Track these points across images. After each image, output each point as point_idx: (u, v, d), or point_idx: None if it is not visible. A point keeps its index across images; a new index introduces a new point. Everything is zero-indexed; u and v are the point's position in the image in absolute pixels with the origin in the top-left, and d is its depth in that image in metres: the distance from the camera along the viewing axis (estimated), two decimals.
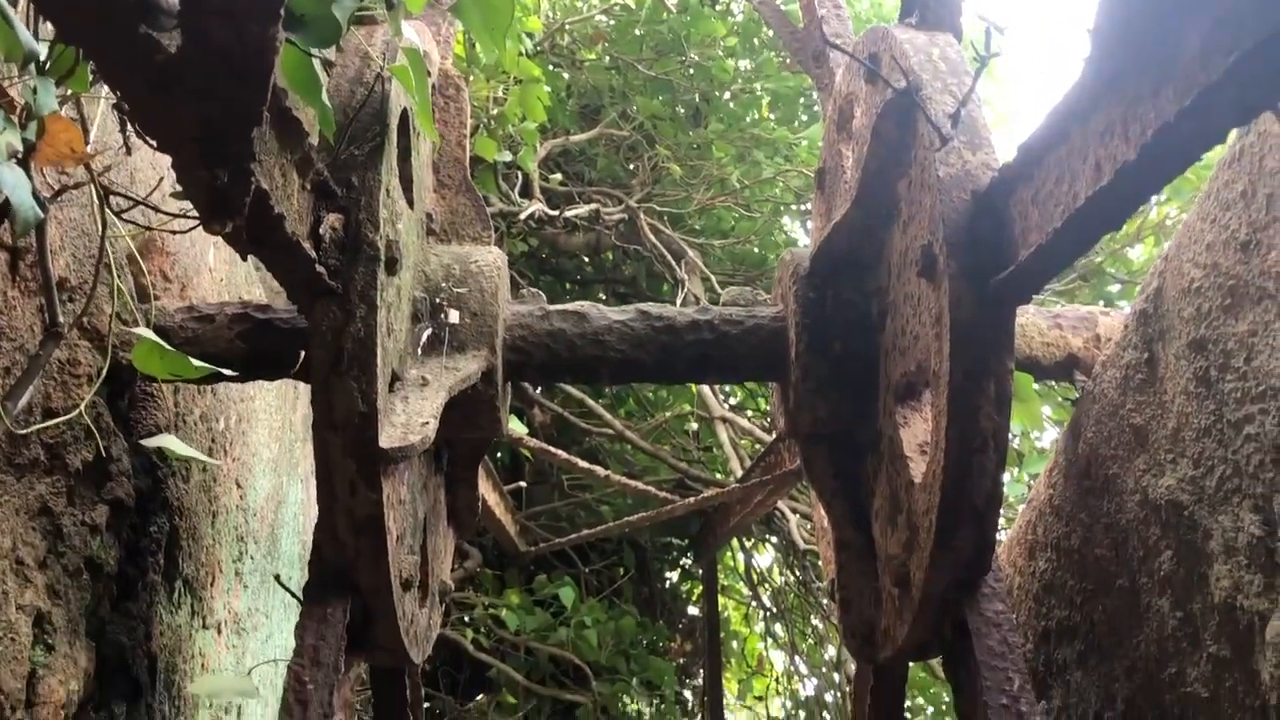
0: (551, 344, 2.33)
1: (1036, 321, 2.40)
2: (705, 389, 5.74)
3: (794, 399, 2.29)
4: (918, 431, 2.08)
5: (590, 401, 6.04)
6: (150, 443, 1.78)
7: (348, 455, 1.79)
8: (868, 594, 2.27)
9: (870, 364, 2.22)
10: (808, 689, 6.80)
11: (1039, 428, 2.89)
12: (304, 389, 3.60)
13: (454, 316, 2.19)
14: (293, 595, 2.68)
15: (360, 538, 1.85)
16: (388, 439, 1.82)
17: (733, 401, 6.93)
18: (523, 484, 5.29)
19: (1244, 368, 1.67)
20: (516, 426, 4.77)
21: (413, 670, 2.37)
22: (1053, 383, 4.05)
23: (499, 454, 6.57)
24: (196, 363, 1.76)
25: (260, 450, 3.08)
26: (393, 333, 1.93)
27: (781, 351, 2.33)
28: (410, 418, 1.90)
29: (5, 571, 1.61)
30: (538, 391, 6.32)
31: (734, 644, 7.84)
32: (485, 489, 4.47)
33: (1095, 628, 2.14)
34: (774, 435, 4.18)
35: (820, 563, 2.78)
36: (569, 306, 2.38)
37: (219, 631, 2.76)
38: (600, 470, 4.44)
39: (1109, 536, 2.09)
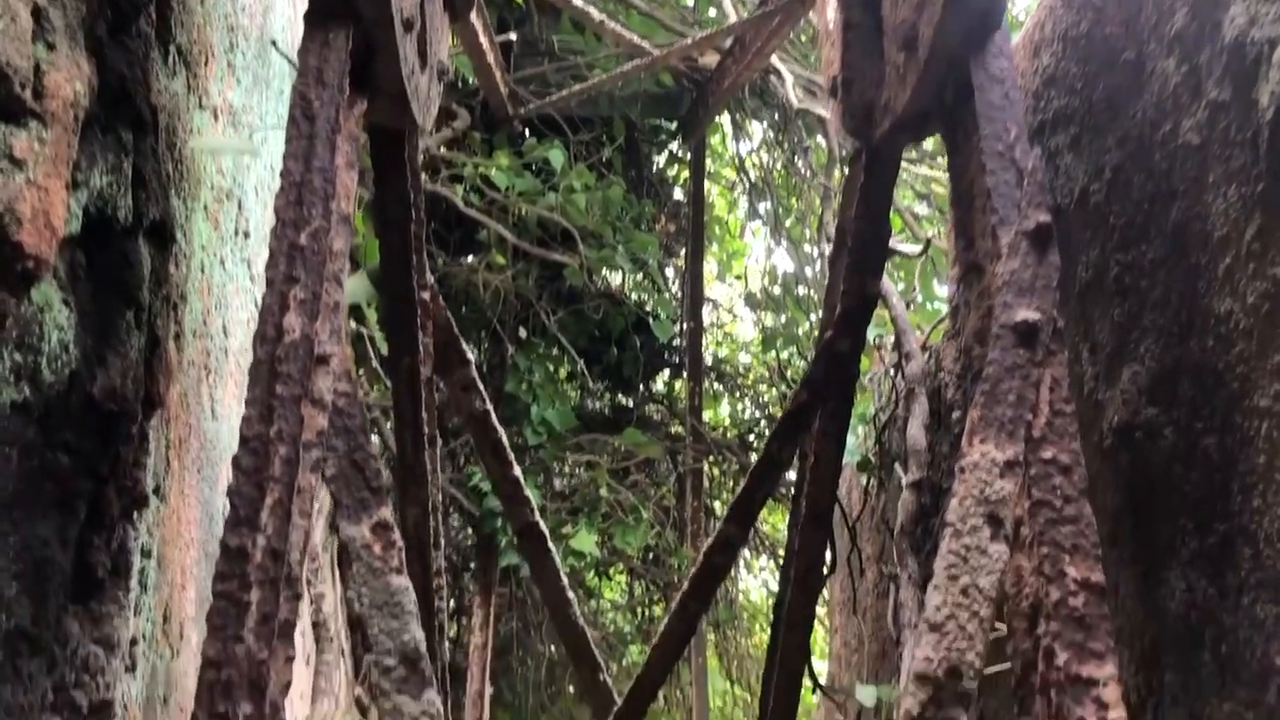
0: None
1: None
2: None
3: None
4: None
5: None
6: None
7: None
8: (870, 75, 2.27)
9: None
10: (786, 265, 7.04)
11: None
12: None
13: None
14: (289, 61, 2.66)
15: None
16: None
17: None
18: (511, 36, 5.14)
19: None
20: None
21: (414, 135, 2.39)
22: None
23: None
24: None
25: None
26: None
27: None
28: None
29: None
30: None
31: (716, 229, 8.02)
32: (476, 26, 4.34)
33: (1092, 108, 2.16)
34: None
35: (822, 64, 2.76)
36: None
37: (215, 117, 2.75)
38: (594, 12, 4.29)
39: (1121, 11, 2.05)
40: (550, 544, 3.22)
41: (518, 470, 3.15)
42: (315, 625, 5.25)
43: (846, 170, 3.17)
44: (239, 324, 3.04)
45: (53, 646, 1.80)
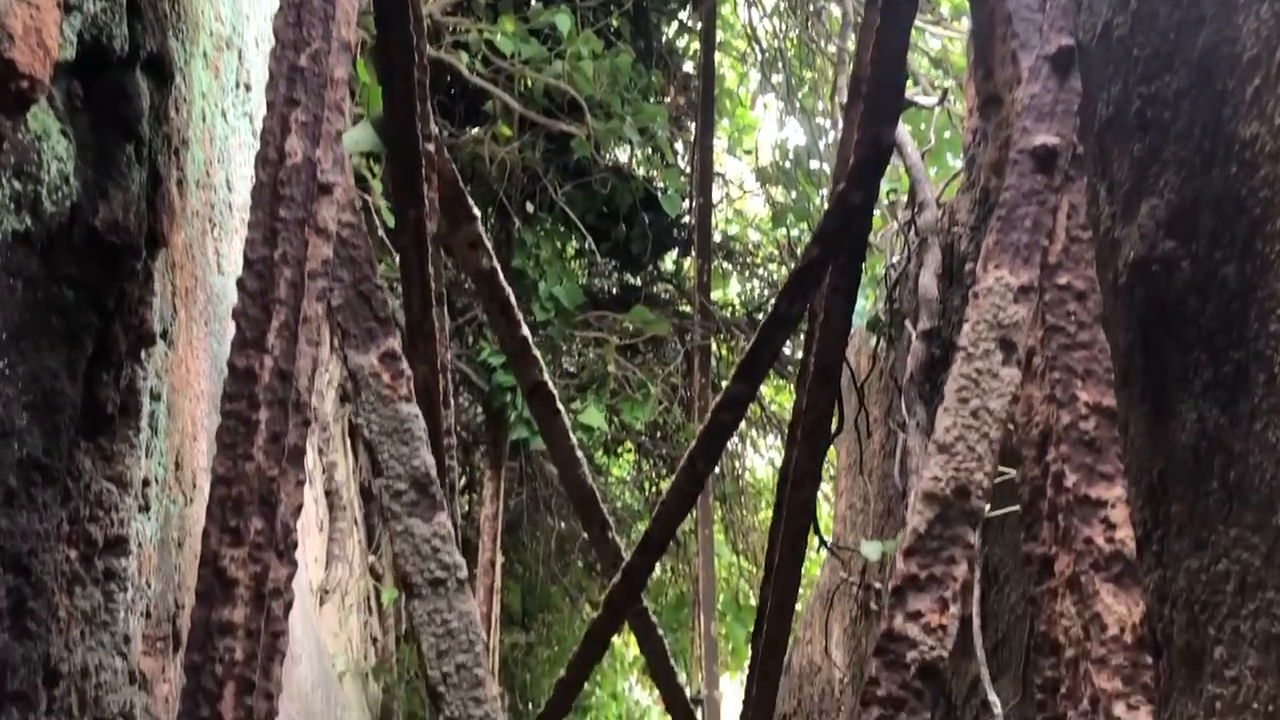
0: None
1: None
2: None
3: None
4: None
5: None
6: None
7: None
8: None
9: None
10: (798, 139, 6.92)
11: None
12: None
13: None
14: None
15: None
16: None
17: None
18: None
19: None
20: None
21: None
22: None
23: None
24: None
25: None
26: None
27: None
28: None
29: None
30: None
31: (727, 102, 7.87)
32: None
33: None
34: None
35: None
36: None
37: None
38: None
39: None
40: (559, 404, 3.22)
41: (525, 329, 3.14)
42: (328, 494, 5.33)
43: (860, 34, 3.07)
44: (243, 179, 3.00)
45: (65, 479, 1.81)
